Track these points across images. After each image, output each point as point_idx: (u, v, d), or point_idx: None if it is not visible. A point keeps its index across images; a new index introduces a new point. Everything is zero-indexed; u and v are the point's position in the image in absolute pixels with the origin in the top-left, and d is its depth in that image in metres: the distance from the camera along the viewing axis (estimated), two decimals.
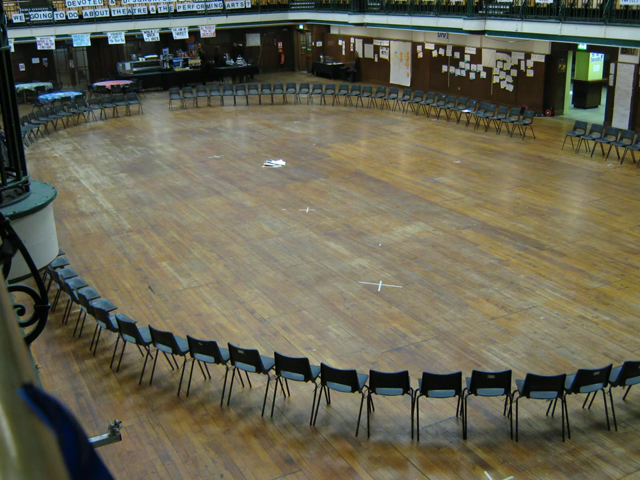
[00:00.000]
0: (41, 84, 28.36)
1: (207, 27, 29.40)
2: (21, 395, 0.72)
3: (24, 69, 29.51)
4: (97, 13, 27.97)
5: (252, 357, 7.61)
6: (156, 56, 31.09)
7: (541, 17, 19.83)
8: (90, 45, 28.05)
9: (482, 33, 22.12)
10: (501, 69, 23.63)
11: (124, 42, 28.62)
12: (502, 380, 7.11)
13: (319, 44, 33.27)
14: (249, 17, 30.98)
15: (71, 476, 0.72)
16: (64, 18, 27.69)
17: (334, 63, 31.63)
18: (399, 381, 7.18)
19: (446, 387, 7.18)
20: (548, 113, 22.25)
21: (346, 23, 28.66)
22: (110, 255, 12.30)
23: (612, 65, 19.97)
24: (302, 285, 10.77)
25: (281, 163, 17.97)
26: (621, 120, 19.56)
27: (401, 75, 28.50)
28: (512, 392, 7.17)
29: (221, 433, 7.29)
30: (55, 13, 27.59)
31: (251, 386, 8.12)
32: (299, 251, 12.11)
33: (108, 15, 28.24)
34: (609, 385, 7.22)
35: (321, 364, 7.34)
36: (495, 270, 11.05)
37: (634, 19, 16.93)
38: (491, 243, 12.17)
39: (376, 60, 29.84)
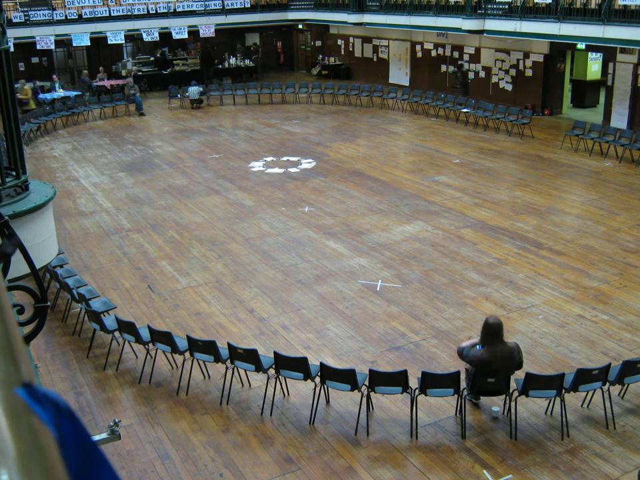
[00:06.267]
0: (40, 83, 28.31)
1: (207, 27, 29.37)
2: (21, 394, 0.72)
3: (23, 69, 29.48)
4: (96, 13, 27.94)
5: (251, 356, 7.62)
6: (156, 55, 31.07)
7: (539, 16, 19.83)
8: (89, 44, 28.04)
9: (481, 32, 22.11)
10: (500, 69, 23.64)
11: (123, 41, 28.60)
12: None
13: (318, 43, 33.27)
14: (248, 17, 30.95)
15: (71, 475, 0.73)
16: (63, 17, 27.65)
17: (333, 63, 31.62)
18: (398, 380, 7.19)
19: (445, 386, 7.19)
20: (547, 112, 22.26)
21: (345, 22, 28.63)
22: (109, 254, 12.30)
23: (610, 65, 19.99)
24: (301, 284, 10.78)
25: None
26: (620, 119, 19.57)
27: (399, 74, 28.49)
28: (511, 391, 7.18)
29: (220, 432, 7.29)
30: (54, 12, 27.55)
31: (250, 385, 8.12)
32: (298, 250, 12.11)
33: (107, 15, 28.21)
34: (607, 383, 7.23)
35: (320, 363, 7.34)
36: (494, 269, 11.06)
37: (632, 19, 16.92)
38: (490, 242, 12.17)
39: (375, 59, 29.84)
